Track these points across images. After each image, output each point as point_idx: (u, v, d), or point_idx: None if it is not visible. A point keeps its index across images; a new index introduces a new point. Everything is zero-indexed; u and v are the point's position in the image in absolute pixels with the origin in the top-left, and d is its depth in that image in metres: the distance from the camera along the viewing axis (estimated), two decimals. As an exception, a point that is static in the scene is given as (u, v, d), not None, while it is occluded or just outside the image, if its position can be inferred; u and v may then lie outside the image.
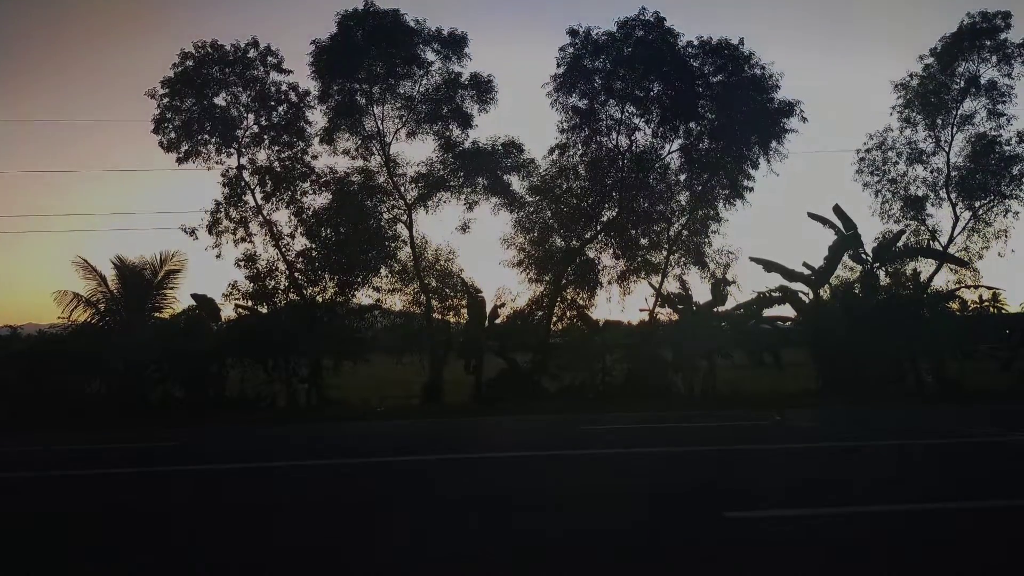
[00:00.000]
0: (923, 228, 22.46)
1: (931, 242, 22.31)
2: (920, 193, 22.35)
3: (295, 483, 8.89)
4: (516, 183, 21.58)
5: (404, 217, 21.39)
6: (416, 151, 54.74)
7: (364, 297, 21.31)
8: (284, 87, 21.35)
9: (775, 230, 68.50)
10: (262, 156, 21.33)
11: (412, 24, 20.65)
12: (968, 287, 22.64)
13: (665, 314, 21.82)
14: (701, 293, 21.78)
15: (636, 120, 21.15)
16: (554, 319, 21.67)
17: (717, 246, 21.87)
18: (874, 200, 22.65)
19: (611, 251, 21.95)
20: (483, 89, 21.09)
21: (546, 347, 20.90)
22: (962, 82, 21.59)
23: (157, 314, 19.65)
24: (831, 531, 5.93)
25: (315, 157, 21.47)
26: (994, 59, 21.30)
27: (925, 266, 21.96)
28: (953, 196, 21.96)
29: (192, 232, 20.71)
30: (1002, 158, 21.36)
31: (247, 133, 21.23)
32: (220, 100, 21.03)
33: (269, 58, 21.20)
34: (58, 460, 11.20)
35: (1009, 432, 11.64)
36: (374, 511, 7.12)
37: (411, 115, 21.21)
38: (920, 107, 22.09)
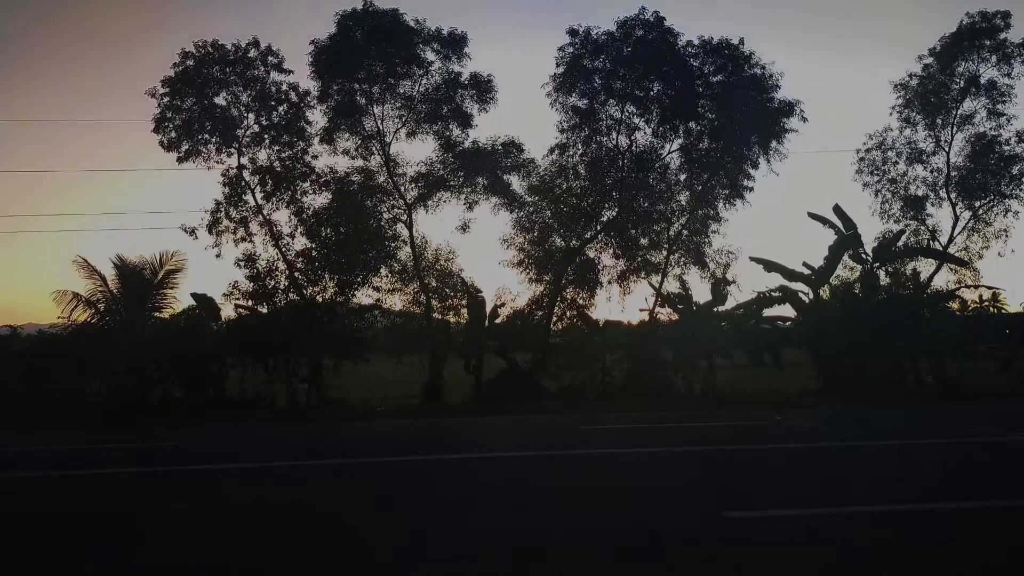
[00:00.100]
0: (923, 228, 22.47)
1: (931, 242, 22.31)
2: (920, 193, 22.37)
3: (295, 483, 8.89)
4: (516, 183, 21.62)
5: (404, 217, 21.41)
6: (416, 151, 54.90)
7: (364, 297, 21.35)
8: (284, 87, 21.40)
9: (775, 230, 68.64)
10: (262, 156, 21.39)
11: (412, 24, 20.66)
12: (968, 287, 22.68)
13: (665, 314, 21.85)
14: (701, 293, 21.83)
15: (636, 120, 21.17)
16: (554, 319, 21.67)
17: (717, 246, 21.92)
18: (874, 200, 22.70)
19: (611, 251, 21.97)
20: (483, 89, 21.10)
21: (546, 347, 20.89)
22: (962, 82, 21.59)
23: (157, 314, 19.63)
24: (831, 531, 5.93)
25: (315, 157, 21.52)
26: (994, 59, 21.31)
27: (925, 266, 21.98)
28: (953, 196, 21.97)
29: (192, 232, 20.76)
30: (1002, 158, 21.35)
31: (247, 133, 21.26)
32: (220, 100, 21.07)
33: (270, 58, 21.22)
34: (58, 460, 11.19)
35: (1009, 432, 11.64)
36: (374, 511, 7.12)
37: (411, 115, 21.21)
38: (920, 107, 22.09)
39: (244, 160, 21.19)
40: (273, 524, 6.66)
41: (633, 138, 21.38)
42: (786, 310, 21.65)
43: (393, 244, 21.23)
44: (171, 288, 19.56)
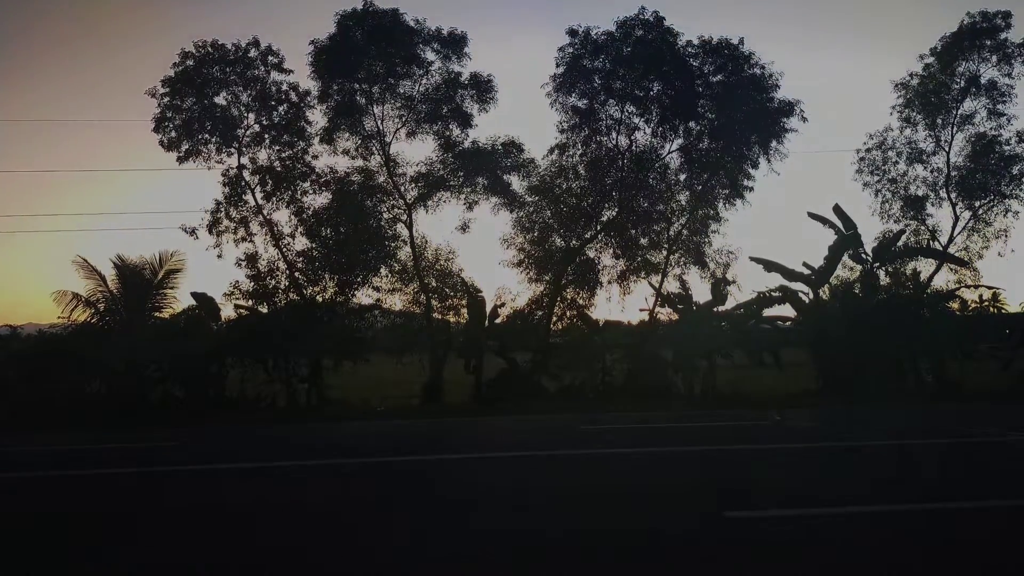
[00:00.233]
0: (923, 228, 22.47)
1: (931, 242, 22.31)
2: (920, 193, 22.36)
3: (295, 483, 8.89)
4: (516, 183, 21.58)
5: (404, 217, 21.38)
6: (416, 151, 54.83)
7: (364, 297, 21.31)
8: (284, 87, 21.37)
9: (775, 230, 68.55)
10: (262, 156, 21.35)
11: (412, 24, 20.64)
12: (968, 287, 22.67)
13: (665, 314, 21.82)
14: (701, 293, 21.80)
15: (636, 120, 21.14)
16: (554, 319, 21.66)
17: (717, 246, 21.87)
18: (874, 200, 22.69)
19: (611, 251, 21.94)
20: (483, 89, 21.08)
21: (546, 347, 20.89)
22: (962, 82, 21.59)
23: (157, 314, 19.61)
24: (831, 531, 5.93)
25: (315, 157, 21.48)
26: (994, 59, 21.29)
27: (925, 266, 21.97)
28: (953, 196, 21.96)
29: (192, 232, 20.72)
30: (1002, 158, 21.35)
31: (247, 133, 21.23)
32: (221, 99, 21.03)
33: (270, 58, 21.20)
34: (58, 460, 11.20)
35: (1009, 432, 11.64)
36: (374, 511, 7.12)
37: (411, 115, 21.20)
38: (920, 107, 22.09)
39: (244, 160, 21.20)
40: (273, 524, 6.66)
41: (633, 138, 21.38)
42: (786, 310, 21.67)
43: (393, 244, 21.23)
44: (171, 288, 19.56)
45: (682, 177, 21.81)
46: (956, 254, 21.82)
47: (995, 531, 5.93)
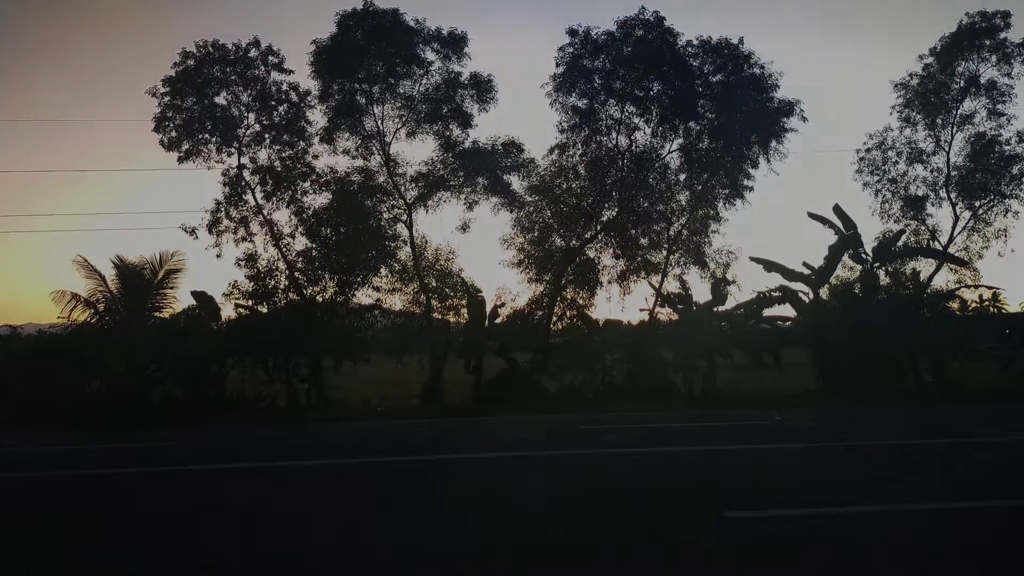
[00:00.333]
0: (923, 228, 22.49)
1: (931, 242, 22.32)
2: (920, 193, 22.38)
3: (295, 483, 8.89)
4: (516, 183, 21.60)
5: (404, 217, 21.40)
6: (416, 151, 54.92)
7: (364, 297, 21.33)
8: (285, 87, 21.37)
9: (775, 230, 68.54)
10: (263, 156, 21.36)
11: (412, 24, 20.66)
12: (968, 287, 22.68)
13: (665, 314, 21.86)
14: (701, 293, 21.83)
15: (636, 120, 21.15)
16: (554, 319, 21.67)
17: (717, 246, 21.90)
18: (874, 200, 22.71)
19: (611, 251, 21.95)
20: (483, 89, 21.09)
21: (546, 347, 20.89)
22: (962, 82, 21.60)
23: (157, 314, 19.61)
24: (831, 531, 5.93)
25: (315, 157, 21.49)
26: (994, 59, 21.32)
27: (925, 266, 21.99)
28: (953, 196, 21.98)
29: (192, 231, 20.73)
30: (1002, 158, 21.36)
31: (248, 132, 21.24)
32: (221, 99, 21.04)
33: (270, 57, 21.21)
34: (58, 460, 11.19)
35: (1009, 432, 11.65)
36: (374, 511, 7.12)
37: (411, 115, 21.20)
38: (920, 107, 22.10)
39: (244, 160, 21.21)
40: (273, 524, 6.66)
41: (633, 138, 21.39)
42: (786, 310, 21.70)
43: (393, 244, 21.23)
44: (171, 288, 19.55)
45: (682, 177, 21.86)
46: (956, 254, 21.83)
47: (995, 531, 5.93)
